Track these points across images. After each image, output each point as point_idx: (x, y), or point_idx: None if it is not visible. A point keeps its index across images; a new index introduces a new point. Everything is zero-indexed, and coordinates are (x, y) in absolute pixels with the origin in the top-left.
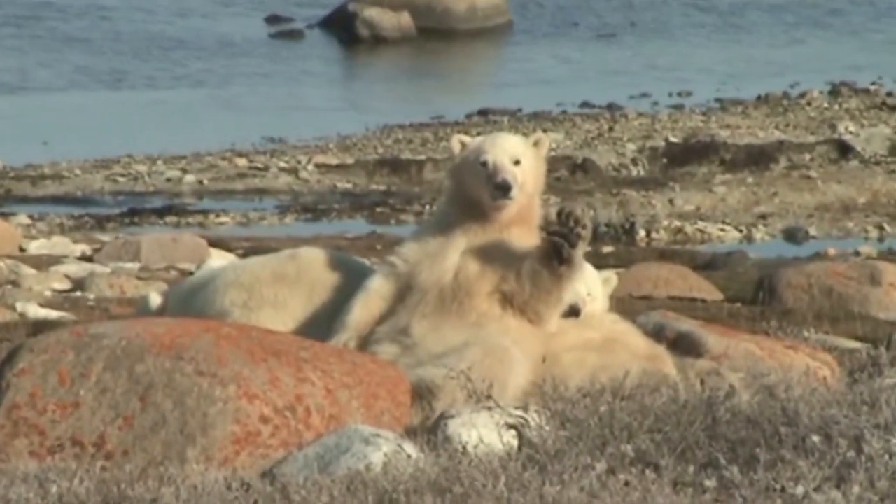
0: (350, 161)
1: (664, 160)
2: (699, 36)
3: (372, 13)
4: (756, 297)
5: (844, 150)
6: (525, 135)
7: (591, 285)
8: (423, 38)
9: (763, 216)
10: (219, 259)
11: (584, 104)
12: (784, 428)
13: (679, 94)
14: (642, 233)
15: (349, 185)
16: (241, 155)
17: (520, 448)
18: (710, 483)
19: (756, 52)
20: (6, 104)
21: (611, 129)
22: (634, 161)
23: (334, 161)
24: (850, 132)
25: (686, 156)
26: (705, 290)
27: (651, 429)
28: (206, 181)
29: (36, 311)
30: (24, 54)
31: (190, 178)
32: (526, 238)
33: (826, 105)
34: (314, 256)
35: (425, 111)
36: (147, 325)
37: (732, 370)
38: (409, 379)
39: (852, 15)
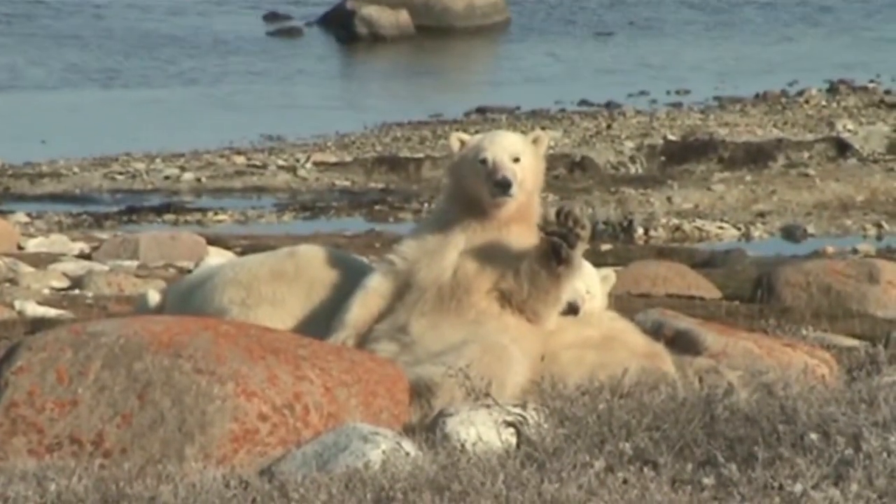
0: (348, 159)
1: (662, 158)
2: (697, 34)
3: (370, 11)
4: (754, 295)
5: (843, 148)
6: (524, 133)
7: (589, 283)
8: (421, 35)
9: (761, 214)
10: (217, 257)
11: (583, 102)
12: (782, 426)
13: (677, 93)
14: (641, 231)
15: (347, 183)
16: (239, 153)
17: (518, 446)
18: (708, 481)
19: (752, 49)
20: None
21: (609, 127)
22: (633, 159)
23: (333, 159)
24: (849, 130)
25: (684, 154)
26: (704, 288)
27: (649, 427)
28: (204, 179)
29: (34, 309)
30: (16, 52)
31: (188, 176)
32: (525, 236)
33: (824, 103)
34: (313, 254)
35: (423, 109)
36: (145, 323)
37: (731, 368)
38: (407, 377)
39: (843, 12)
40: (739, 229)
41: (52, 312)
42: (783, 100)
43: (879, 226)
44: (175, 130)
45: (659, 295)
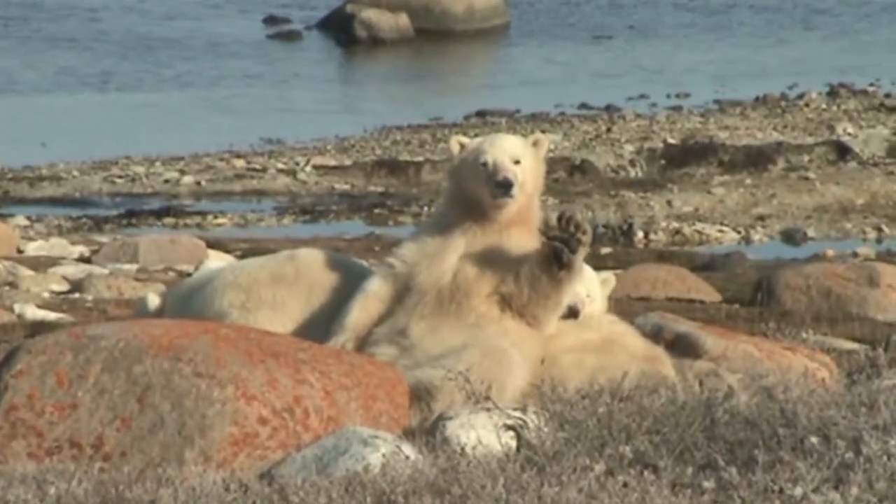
0: (348, 162)
1: (662, 161)
2: (696, 37)
3: (370, 14)
4: (754, 298)
5: (843, 151)
6: (524, 136)
7: (589, 286)
8: (420, 39)
9: (761, 217)
10: (217, 260)
11: (583, 105)
12: (782, 429)
13: (677, 96)
14: (640, 234)
15: (347, 187)
16: (238, 156)
17: (518, 449)
18: (708, 484)
19: (750, 53)
20: None
21: (609, 130)
22: (632, 162)
23: (332, 162)
24: (849, 133)
25: (684, 157)
26: (703, 291)
27: (649, 430)
28: (203, 182)
29: (34, 313)
30: (11, 55)
31: (188, 179)
32: (525, 239)
33: (824, 106)
34: (312, 258)
35: (423, 113)
36: (145, 327)
37: (731, 371)
38: (407, 380)
39: (838, 16)
40: (739, 233)
41: (51, 316)
42: (783, 103)
43: (879, 229)
44: (173, 134)
45: (659, 298)
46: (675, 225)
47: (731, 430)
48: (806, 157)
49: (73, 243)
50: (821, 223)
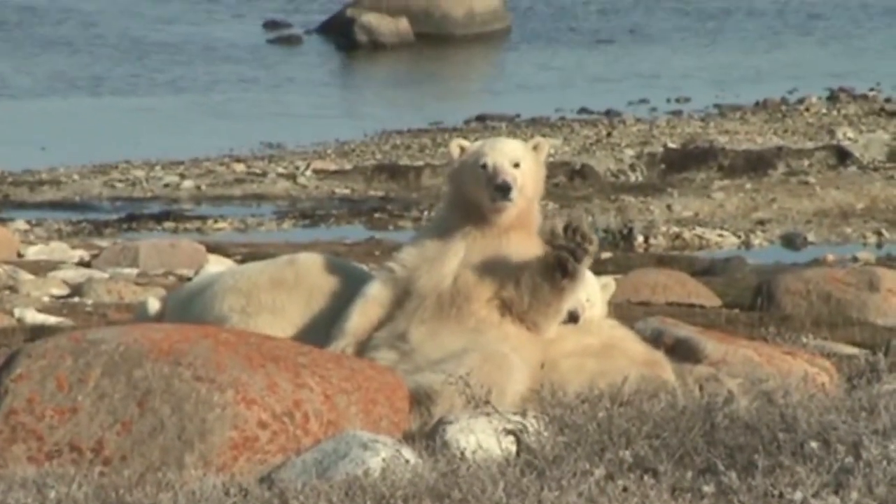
0: (348, 167)
1: (662, 166)
2: (696, 42)
3: (370, 19)
4: (754, 303)
5: (843, 156)
6: (524, 140)
7: (589, 291)
8: (421, 43)
9: (761, 222)
10: (217, 265)
11: (583, 110)
12: (782, 434)
13: (677, 101)
14: (640, 239)
15: (347, 191)
16: (239, 160)
17: (518, 454)
18: (708, 489)
19: (750, 58)
20: None
21: (609, 135)
22: (633, 167)
23: (332, 167)
24: (849, 138)
25: (684, 162)
26: (703, 295)
27: (649, 434)
28: (204, 187)
29: (34, 317)
30: (6, 59)
31: (188, 183)
32: (525, 243)
33: (824, 111)
34: (312, 262)
35: (423, 117)
36: (145, 331)
37: (731, 376)
38: (407, 385)
39: (834, 20)
40: (739, 237)
41: (51, 320)
42: (783, 108)
43: (879, 234)
44: (171, 138)
45: (659, 303)
46: (675, 229)
47: (730, 434)
48: (806, 162)
49: (74, 247)
50: (821, 228)
